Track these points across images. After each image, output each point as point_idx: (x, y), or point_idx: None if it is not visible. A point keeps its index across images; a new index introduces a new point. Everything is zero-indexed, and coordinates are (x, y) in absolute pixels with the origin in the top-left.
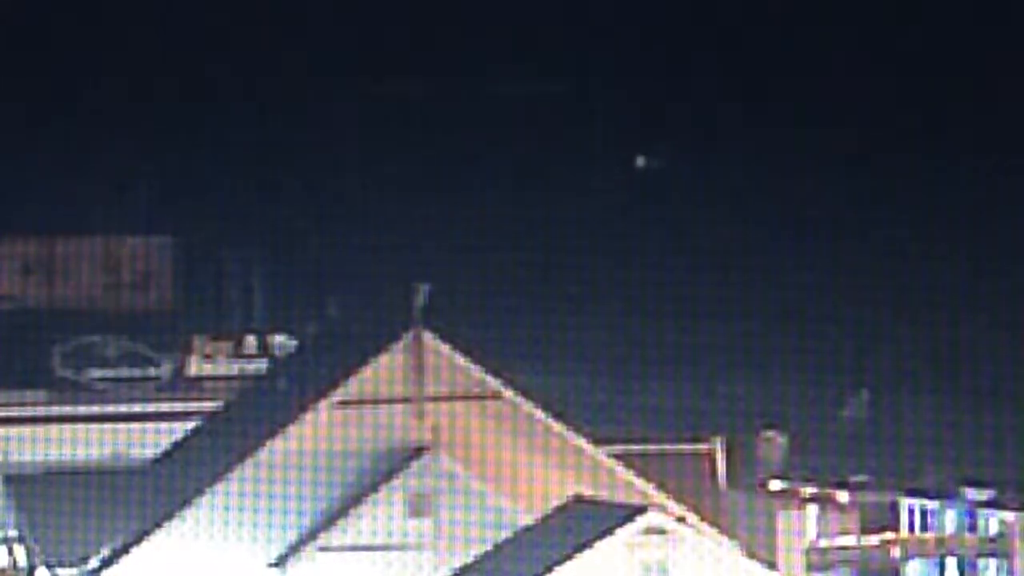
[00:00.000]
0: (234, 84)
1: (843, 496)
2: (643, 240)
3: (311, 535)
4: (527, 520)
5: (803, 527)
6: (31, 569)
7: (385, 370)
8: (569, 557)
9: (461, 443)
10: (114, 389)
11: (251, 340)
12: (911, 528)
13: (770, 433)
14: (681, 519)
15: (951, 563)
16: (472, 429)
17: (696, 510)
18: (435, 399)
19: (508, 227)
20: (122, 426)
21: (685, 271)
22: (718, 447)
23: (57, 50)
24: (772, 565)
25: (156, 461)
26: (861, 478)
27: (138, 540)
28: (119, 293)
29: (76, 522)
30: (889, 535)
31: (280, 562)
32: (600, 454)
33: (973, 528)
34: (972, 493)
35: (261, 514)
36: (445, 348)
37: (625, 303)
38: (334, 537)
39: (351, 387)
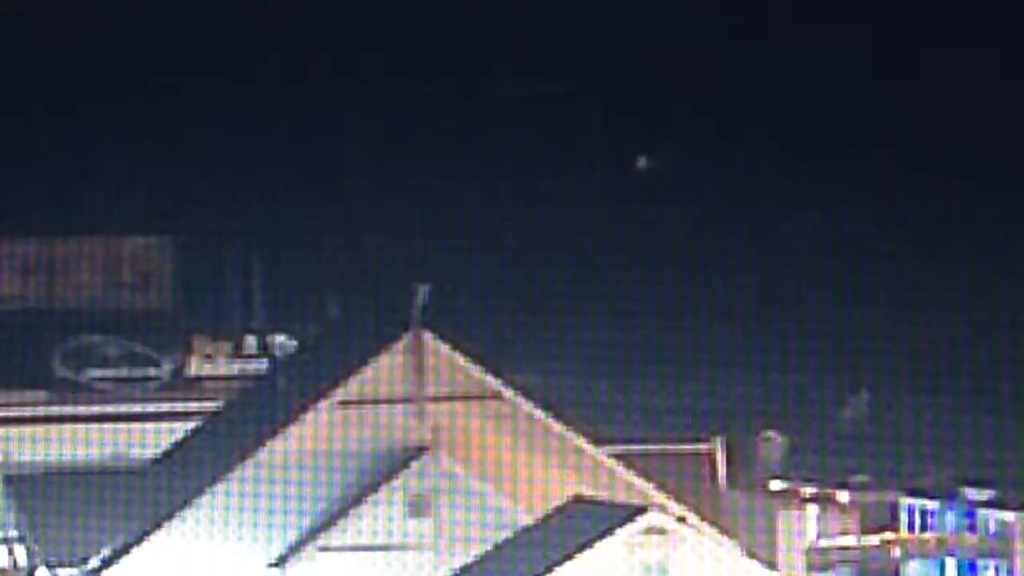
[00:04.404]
0: (234, 84)
1: (843, 496)
2: (643, 240)
3: (311, 535)
4: (527, 520)
5: (803, 527)
6: (31, 569)
7: (385, 370)
8: (569, 557)
9: (461, 443)
10: (114, 389)
11: (251, 340)
12: (911, 528)
13: (770, 433)
14: (681, 519)
15: (951, 563)
16: (472, 429)
17: (696, 510)
18: (435, 399)
19: (508, 227)
20: (122, 426)
21: (685, 271)
22: (718, 447)
23: (57, 50)
24: (772, 565)
25: (156, 461)
26: (861, 478)
27: (138, 540)
28: (119, 293)
29: (76, 522)
30: (889, 535)
31: (280, 562)
32: (600, 454)
33: (973, 528)
34: (972, 493)
35: (261, 514)
36: (445, 348)
37: (625, 303)
38: (334, 537)
39: (351, 387)
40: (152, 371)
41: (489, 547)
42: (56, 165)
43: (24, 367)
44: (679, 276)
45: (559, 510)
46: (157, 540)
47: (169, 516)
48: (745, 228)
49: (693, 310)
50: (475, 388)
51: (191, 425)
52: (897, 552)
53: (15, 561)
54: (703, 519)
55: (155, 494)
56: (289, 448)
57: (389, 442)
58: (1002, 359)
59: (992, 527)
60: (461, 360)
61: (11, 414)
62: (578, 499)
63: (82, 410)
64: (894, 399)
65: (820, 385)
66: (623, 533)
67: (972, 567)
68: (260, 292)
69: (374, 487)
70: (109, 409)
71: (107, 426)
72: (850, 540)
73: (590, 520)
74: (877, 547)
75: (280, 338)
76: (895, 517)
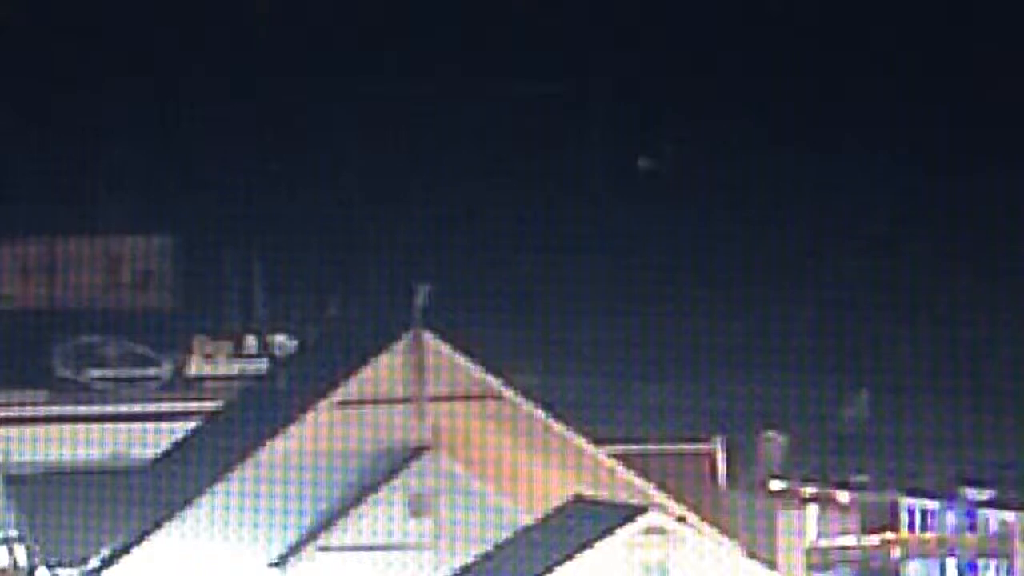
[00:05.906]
0: (234, 84)
1: (843, 496)
2: (643, 240)
3: (311, 535)
4: (527, 520)
5: (803, 527)
6: (31, 569)
7: (385, 370)
8: (569, 557)
9: (461, 443)
10: (114, 389)
11: (251, 340)
12: (911, 528)
13: (770, 433)
14: (681, 519)
15: (951, 563)
16: (472, 429)
17: (696, 510)
18: (435, 399)
19: (508, 227)
20: (122, 426)
21: (685, 271)
22: (718, 447)
23: (57, 49)
24: (772, 565)
25: (156, 461)
26: (861, 478)
27: (138, 540)
28: (119, 293)
29: (76, 522)
30: (889, 535)
31: (280, 562)
32: (600, 454)
33: (973, 528)
34: (972, 493)
35: (261, 514)
36: (445, 348)
37: (625, 303)
38: (334, 537)
39: (351, 387)
40: (152, 371)
41: (489, 547)
42: (56, 165)
43: (24, 367)
44: (679, 276)
45: (559, 510)
46: (157, 540)
47: (169, 516)
48: (745, 228)
49: (693, 310)
50: (475, 388)
51: (191, 425)
52: (897, 552)
53: (15, 561)
54: (703, 519)
55: (155, 494)
56: (289, 448)
57: (389, 442)
58: (1002, 359)
59: (992, 527)
60: (461, 360)
61: (11, 414)
62: (578, 499)
63: (82, 410)
64: (894, 399)
65: (820, 385)
66: (623, 533)
67: (972, 567)
68: (260, 292)
69: (374, 487)
70: (109, 409)
71: (107, 426)
72: (850, 540)
73: (590, 520)
74: (877, 547)
75: (280, 338)
76: (895, 517)
